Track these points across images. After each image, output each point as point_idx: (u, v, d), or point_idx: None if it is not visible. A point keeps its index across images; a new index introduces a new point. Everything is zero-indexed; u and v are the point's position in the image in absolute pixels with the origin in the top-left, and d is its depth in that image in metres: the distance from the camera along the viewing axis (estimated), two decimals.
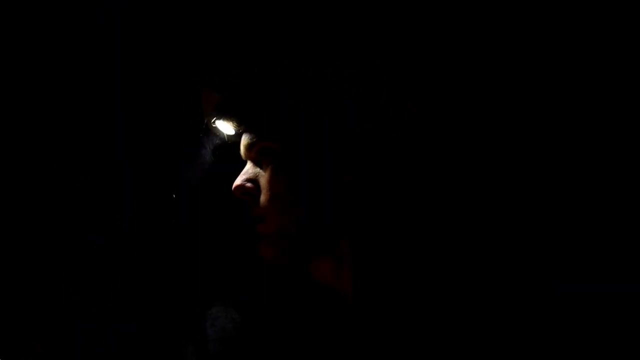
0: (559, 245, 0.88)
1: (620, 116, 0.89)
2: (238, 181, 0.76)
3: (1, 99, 0.93)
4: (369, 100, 0.79)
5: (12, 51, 0.93)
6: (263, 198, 0.74)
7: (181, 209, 0.96)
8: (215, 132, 0.83)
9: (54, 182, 0.94)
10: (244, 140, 0.76)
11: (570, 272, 0.87)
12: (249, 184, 0.75)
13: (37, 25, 0.93)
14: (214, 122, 0.79)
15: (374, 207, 0.78)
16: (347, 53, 0.82)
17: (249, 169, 0.77)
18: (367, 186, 0.77)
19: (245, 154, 0.77)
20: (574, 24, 0.89)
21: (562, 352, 0.77)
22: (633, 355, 0.78)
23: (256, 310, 0.81)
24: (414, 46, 0.92)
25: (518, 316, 0.76)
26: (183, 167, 0.97)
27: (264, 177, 0.75)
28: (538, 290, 0.82)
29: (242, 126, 0.77)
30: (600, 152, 0.89)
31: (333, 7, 0.88)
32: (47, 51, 0.94)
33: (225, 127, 0.79)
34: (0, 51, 0.92)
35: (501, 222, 0.91)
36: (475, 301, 0.74)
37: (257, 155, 0.76)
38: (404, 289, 0.75)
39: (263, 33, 0.86)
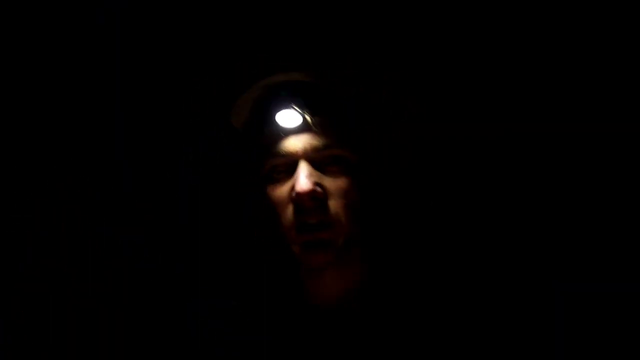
0: (559, 244, 0.88)
1: (620, 116, 0.88)
2: (309, 185, 0.70)
3: (1, 98, 0.93)
4: (370, 100, 0.79)
5: (13, 51, 0.92)
6: (336, 205, 0.72)
7: (182, 209, 0.96)
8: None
9: (53, 182, 0.94)
10: (314, 140, 0.72)
11: (570, 272, 0.87)
12: (319, 189, 0.71)
13: (37, 25, 0.92)
14: (293, 107, 0.73)
15: (382, 210, 0.79)
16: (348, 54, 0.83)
17: (311, 172, 0.72)
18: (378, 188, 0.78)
19: (308, 155, 0.72)
20: (574, 24, 0.89)
21: (563, 351, 0.77)
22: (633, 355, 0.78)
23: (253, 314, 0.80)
24: (414, 46, 0.92)
25: (520, 316, 0.76)
26: (184, 167, 0.97)
27: (334, 184, 0.72)
28: (540, 290, 0.83)
29: (324, 126, 0.72)
30: (600, 152, 0.89)
31: (336, 8, 0.88)
32: (47, 51, 0.94)
33: (290, 119, 0.73)
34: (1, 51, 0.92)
35: (502, 222, 0.91)
36: (478, 301, 0.74)
37: (325, 159, 0.73)
38: (410, 290, 0.76)
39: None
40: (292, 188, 0.71)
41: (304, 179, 0.70)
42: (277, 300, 0.79)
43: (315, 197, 0.71)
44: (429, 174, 0.94)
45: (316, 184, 0.71)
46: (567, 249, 0.87)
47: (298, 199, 0.70)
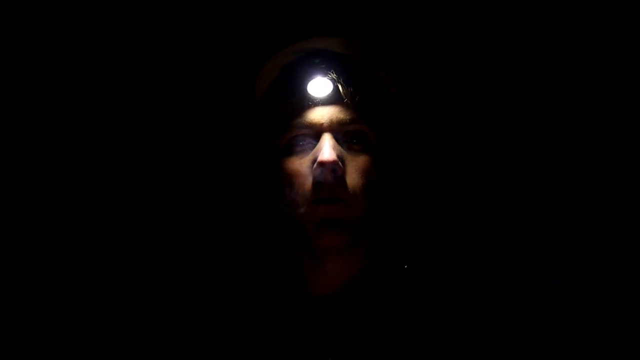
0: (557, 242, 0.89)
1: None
2: (333, 155, 0.68)
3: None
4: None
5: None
6: (354, 183, 0.70)
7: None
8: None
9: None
10: (340, 114, 0.71)
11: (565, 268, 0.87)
12: (340, 163, 0.69)
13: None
14: (330, 76, 0.71)
15: (395, 196, 0.79)
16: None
17: (334, 145, 0.70)
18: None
19: (333, 127, 0.71)
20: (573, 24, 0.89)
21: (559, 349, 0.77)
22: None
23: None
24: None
25: (514, 310, 0.76)
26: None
27: (355, 161, 0.71)
28: (536, 288, 0.83)
29: (355, 99, 0.71)
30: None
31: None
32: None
33: (321, 89, 0.71)
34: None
35: (499, 221, 0.91)
36: (476, 296, 0.74)
37: (349, 135, 0.72)
38: (408, 283, 0.75)
39: None
40: (313, 160, 0.70)
41: (328, 148, 0.69)
42: (275, 288, 0.77)
43: (336, 171, 0.68)
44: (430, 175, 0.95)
45: (339, 157, 0.69)
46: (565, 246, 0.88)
47: (320, 168, 0.68)
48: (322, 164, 0.68)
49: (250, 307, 0.76)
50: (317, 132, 0.72)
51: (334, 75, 0.71)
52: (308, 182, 0.70)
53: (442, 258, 0.80)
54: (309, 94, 0.72)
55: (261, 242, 0.84)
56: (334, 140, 0.70)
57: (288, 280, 0.77)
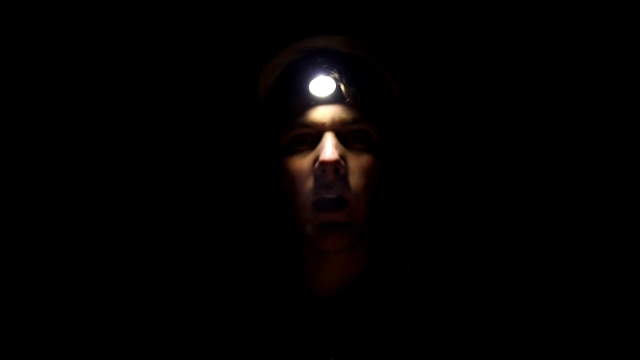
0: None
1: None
2: (336, 154, 0.68)
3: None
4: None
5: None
6: (357, 183, 0.69)
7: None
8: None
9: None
10: (343, 113, 0.71)
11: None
12: (342, 162, 0.68)
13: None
14: (330, 74, 0.71)
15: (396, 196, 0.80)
16: None
17: (337, 144, 0.69)
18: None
19: (335, 127, 0.71)
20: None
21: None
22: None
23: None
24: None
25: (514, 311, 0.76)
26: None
27: (357, 161, 0.70)
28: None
29: (357, 99, 0.71)
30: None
31: None
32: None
33: (323, 88, 0.71)
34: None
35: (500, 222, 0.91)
36: (476, 296, 0.74)
37: (351, 134, 0.71)
38: (409, 280, 0.75)
39: None
40: (315, 160, 0.69)
41: (330, 147, 0.68)
42: (277, 288, 0.77)
43: (338, 170, 0.68)
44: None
45: (341, 157, 0.69)
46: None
47: (322, 168, 0.68)
48: (324, 163, 0.67)
49: (251, 307, 0.76)
50: (319, 131, 0.71)
51: (336, 75, 0.71)
52: (309, 183, 0.70)
53: (443, 258, 0.80)
54: (311, 93, 0.72)
55: (263, 242, 0.85)
56: (336, 140, 0.70)
57: (289, 280, 0.76)
